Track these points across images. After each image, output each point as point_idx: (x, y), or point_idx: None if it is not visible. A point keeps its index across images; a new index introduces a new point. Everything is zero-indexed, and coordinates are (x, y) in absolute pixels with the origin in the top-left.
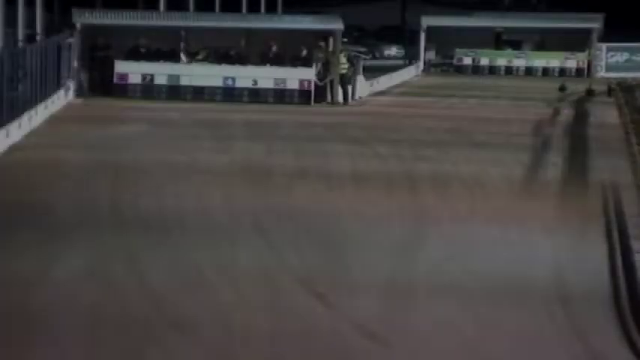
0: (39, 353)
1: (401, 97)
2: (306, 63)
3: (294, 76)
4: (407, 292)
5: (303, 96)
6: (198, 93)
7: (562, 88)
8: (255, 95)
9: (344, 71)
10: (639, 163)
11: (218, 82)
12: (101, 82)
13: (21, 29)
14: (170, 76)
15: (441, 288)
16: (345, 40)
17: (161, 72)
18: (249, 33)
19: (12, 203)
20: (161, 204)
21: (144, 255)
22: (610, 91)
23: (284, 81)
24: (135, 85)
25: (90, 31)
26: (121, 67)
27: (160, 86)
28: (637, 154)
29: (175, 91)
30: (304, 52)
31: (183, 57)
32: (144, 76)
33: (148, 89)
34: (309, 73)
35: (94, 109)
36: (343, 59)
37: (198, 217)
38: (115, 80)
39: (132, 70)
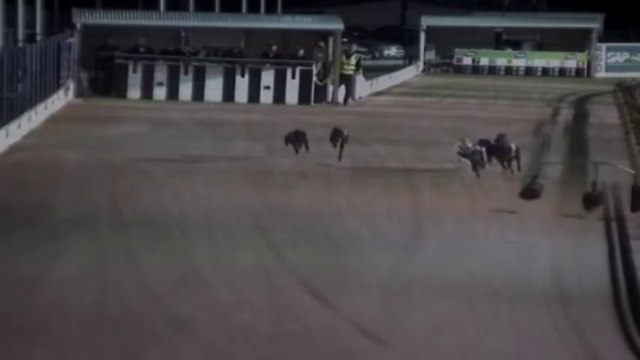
0: (39, 353)
1: (401, 97)
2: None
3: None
4: (407, 291)
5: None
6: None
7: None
8: None
9: (350, 72)
10: (639, 163)
11: None
12: (105, 82)
13: (21, 29)
14: None
15: (440, 288)
16: (346, 40)
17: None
18: (249, 33)
19: (12, 203)
20: (161, 203)
21: (144, 254)
22: (636, 200)
23: None
24: None
25: (91, 30)
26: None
27: None
28: (637, 154)
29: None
30: (301, 52)
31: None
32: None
33: None
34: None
35: (94, 109)
36: (353, 61)
37: (198, 217)
38: None
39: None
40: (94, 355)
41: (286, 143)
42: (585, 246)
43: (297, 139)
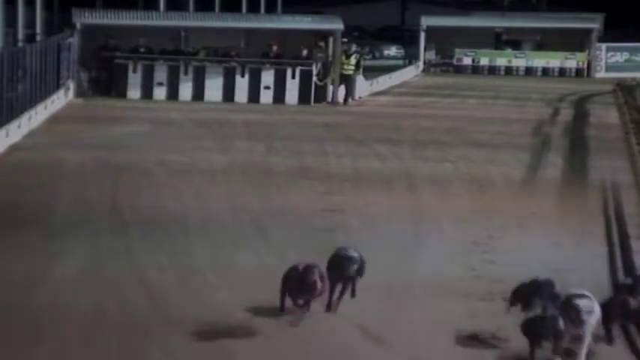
0: (39, 353)
1: (401, 97)
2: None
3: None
4: (407, 291)
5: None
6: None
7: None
8: None
9: (350, 72)
10: (639, 163)
11: None
12: (105, 82)
13: (21, 29)
14: None
15: (440, 288)
16: (345, 40)
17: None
18: (249, 33)
19: (12, 203)
20: (161, 203)
21: (144, 255)
22: None
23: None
24: None
25: (91, 30)
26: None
27: None
28: (637, 154)
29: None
30: (304, 52)
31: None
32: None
33: None
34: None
35: (94, 109)
36: (353, 61)
37: (198, 217)
38: None
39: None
40: (93, 355)
41: (283, 293)
42: (585, 246)
43: (304, 285)
